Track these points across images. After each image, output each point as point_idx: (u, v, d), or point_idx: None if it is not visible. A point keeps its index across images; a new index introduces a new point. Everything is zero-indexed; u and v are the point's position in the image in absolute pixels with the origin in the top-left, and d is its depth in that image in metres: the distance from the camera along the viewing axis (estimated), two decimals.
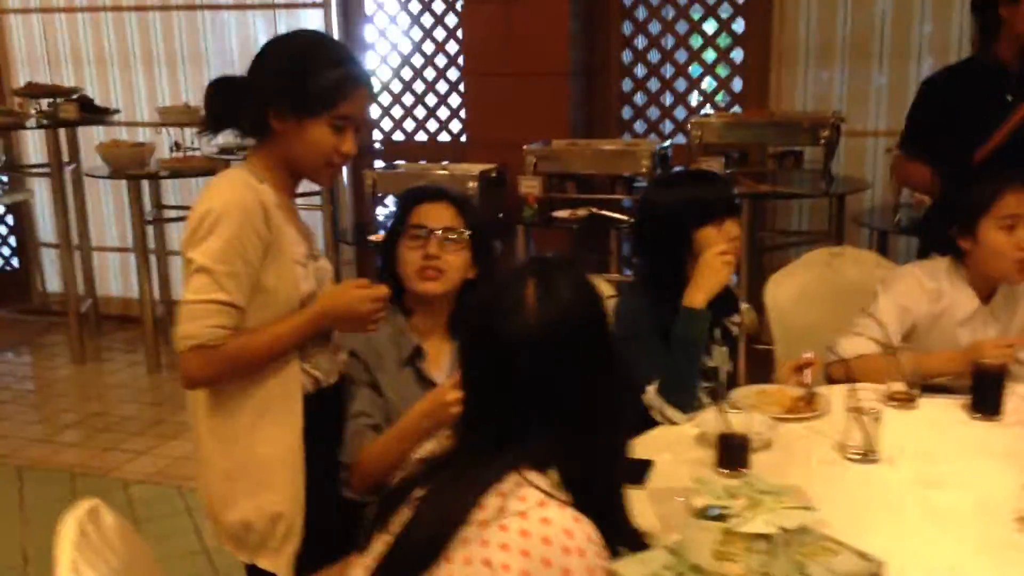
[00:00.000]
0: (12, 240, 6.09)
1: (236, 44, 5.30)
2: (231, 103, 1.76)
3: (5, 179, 5.85)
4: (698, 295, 2.08)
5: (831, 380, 2.29)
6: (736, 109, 4.53)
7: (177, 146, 5.19)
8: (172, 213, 5.33)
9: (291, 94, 1.71)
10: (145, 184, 5.03)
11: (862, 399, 1.87)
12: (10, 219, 6.03)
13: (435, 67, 4.93)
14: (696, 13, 4.53)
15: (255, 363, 1.72)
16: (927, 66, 4.24)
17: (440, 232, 1.96)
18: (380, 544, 1.21)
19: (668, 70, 4.67)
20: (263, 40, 1.82)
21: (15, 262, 6.10)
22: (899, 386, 2.13)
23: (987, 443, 1.95)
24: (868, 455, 1.85)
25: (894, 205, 3.95)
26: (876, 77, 4.34)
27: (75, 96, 5.03)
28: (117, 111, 5.23)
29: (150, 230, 5.10)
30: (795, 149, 4.17)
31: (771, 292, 2.85)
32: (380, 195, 4.38)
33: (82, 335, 5.16)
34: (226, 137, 1.85)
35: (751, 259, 4.13)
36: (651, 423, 2.05)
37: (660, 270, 2.21)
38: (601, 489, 1.24)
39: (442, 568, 1.11)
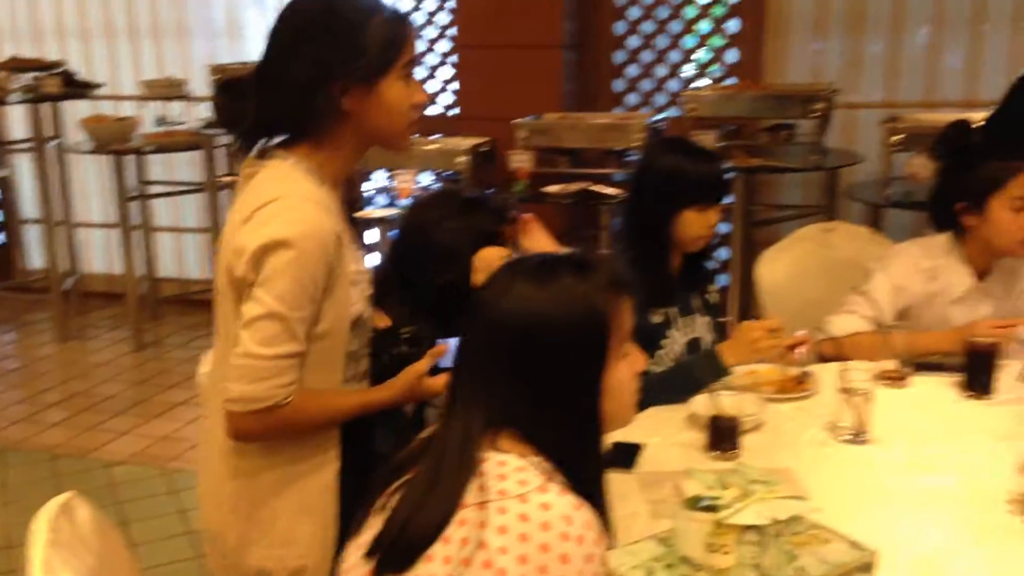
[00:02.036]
0: None
1: (222, 15, 5.16)
2: (273, 106, 1.51)
3: None
4: (730, 356, 2.02)
5: (823, 358, 2.26)
6: (731, 80, 4.45)
7: (162, 120, 5.12)
8: (157, 188, 5.25)
9: (352, 62, 1.47)
10: (130, 159, 4.95)
11: (854, 379, 1.84)
12: None
13: (422, 39, 4.84)
14: None
15: (327, 424, 1.55)
16: (923, 35, 4.18)
17: None
18: (375, 526, 1.17)
19: (661, 41, 4.59)
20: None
21: None
22: (890, 365, 2.10)
23: (979, 423, 1.92)
24: (859, 436, 1.82)
25: (886, 179, 3.89)
26: (871, 47, 4.27)
27: (58, 70, 4.94)
28: (100, 85, 5.13)
29: (134, 206, 5.04)
30: (788, 122, 4.11)
31: (763, 268, 2.80)
32: (366, 171, 4.31)
33: (65, 312, 5.10)
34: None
35: (742, 234, 4.09)
36: None
37: (644, 241, 2.16)
38: (588, 473, 1.21)
39: (438, 549, 1.09)
